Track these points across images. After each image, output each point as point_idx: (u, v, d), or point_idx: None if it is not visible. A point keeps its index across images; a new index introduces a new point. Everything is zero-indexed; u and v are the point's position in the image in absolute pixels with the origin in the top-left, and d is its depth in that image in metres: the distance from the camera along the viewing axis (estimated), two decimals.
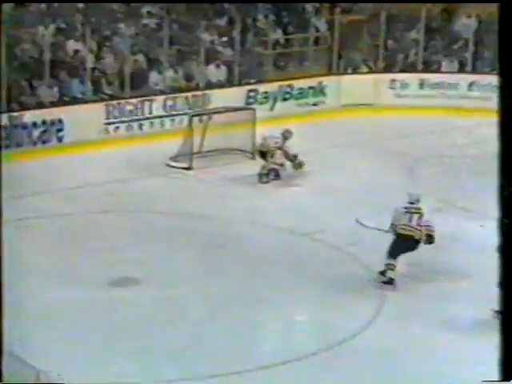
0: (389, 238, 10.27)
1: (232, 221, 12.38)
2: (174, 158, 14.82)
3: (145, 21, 17.83)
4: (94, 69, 16.19)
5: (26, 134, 14.88)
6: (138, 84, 16.46)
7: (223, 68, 17.53)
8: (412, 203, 10.34)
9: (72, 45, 16.41)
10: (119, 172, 14.23)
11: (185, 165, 14.71)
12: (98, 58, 16.51)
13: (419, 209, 10.29)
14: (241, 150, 15.26)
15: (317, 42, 18.82)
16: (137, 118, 16.09)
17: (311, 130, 16.25)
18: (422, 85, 18.29)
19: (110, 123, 15.80)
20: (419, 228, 10.13)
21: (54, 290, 9.95)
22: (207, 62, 17.28)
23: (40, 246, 11.30)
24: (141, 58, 16.94)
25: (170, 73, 16.98)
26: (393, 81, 18.32)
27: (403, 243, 10.13)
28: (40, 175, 13.84)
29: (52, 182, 13.66)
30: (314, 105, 17.98)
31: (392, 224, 10.24)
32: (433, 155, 15.37)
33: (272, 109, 17.38)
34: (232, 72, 17.51)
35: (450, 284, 10.29)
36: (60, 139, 15.24)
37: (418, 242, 10.15)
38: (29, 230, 11.72)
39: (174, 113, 16.41)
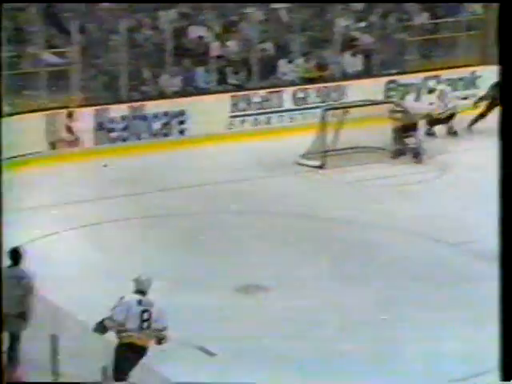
0: None
1: (368, 226, 12.32)
2: (305, 156, 14.89)
3: (274, 5, 17.90)
4: (219, 57, 16.45)
5: (147, 126, 15.27)
6: (266, 74, 16.68)
7: (360, 57, 17.51)
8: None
9: (196, 30, 16.67)
10: (245, 169, 14.43)
11: (317, 163, 14.75)
12: (223, 45, 16.77)
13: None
14: (379, 149, 15.18)
15: (470, 26, 18.42)
16: (264, 110, 16.27)
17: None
18: None
19: (235, 116, 16.04)
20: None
21: (179, 295, 10.11)
22: (342, 50, 17.33)
23: (165, 247, 11.53)
24: (269, 45, 17.12)
25: (301, 62, 17.10)
26: None
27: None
28: (161, 170, 14.20)
29: (175, 177, 13.95)
30: (464, 99, 17.70)
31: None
32: None
33: None
34: (370, 61, 17.48)
35: None
36: (182, 132, 15.55)
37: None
38: (154, 229, 12.04)
39: (306, 106, 16.53)
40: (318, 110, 15.68)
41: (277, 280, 10.64)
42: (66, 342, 7.61)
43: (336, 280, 10.64)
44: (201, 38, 16.61)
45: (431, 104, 16.26)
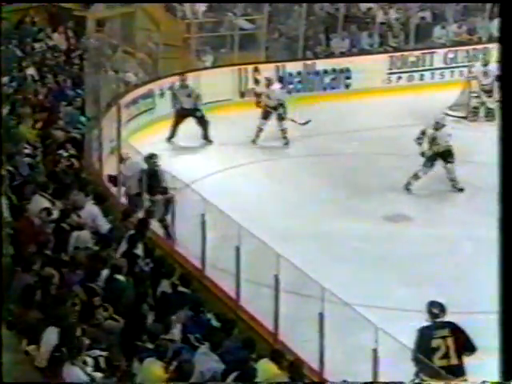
0: None
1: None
2: (452, 107, 14.59)
3: None
4: (382, 23, 16.37)
5: (318, 80, 15.38)
6: (422, 38, 16.43)
7: None
8: None
9: (366, 4, 16.63)
10: (399, 118, 14.25)
11: (462, 114, 14.46)
12: (386, 13, 16.59)
13: None
14: None
15: None
16: (418, 69, 16.03)
17: None
18: None
19: (392, 73, 15.89)
20: None
21: (335, 220, 10.30)
22: (491, 18, 16.68)
23: (326, 181, 11.67)
24: (427, 14, 16.81)
25: (453, 27, 16.73)
26: None
27: None
28: (329, 117, 14.25)
29: (338, 124, 14.01)
30: None
31: None
32: None
33: None
34: None
35: None
36: (347, 86, 15.57)
37: None
38: (317, 167, 12.19)
39: (454, 65, 16.15)
40: (465, 69, 15.42)
41: (420, 211, 10.64)
42: (245, 253, 7.88)
43: (473, 214, 10.43)
44: (369, 9, 16.61)
45: None
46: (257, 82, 14.95)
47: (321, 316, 6.75)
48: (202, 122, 12.84)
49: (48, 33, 14.88)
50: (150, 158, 9.80)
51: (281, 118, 12.96)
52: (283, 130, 12.95)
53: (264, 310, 7.52)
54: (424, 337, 6.49)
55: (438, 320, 6.62)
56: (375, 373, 6.26)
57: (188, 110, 12.85)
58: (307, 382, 6.46)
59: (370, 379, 6.29)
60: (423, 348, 6.44)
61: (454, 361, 6.48)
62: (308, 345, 6.94)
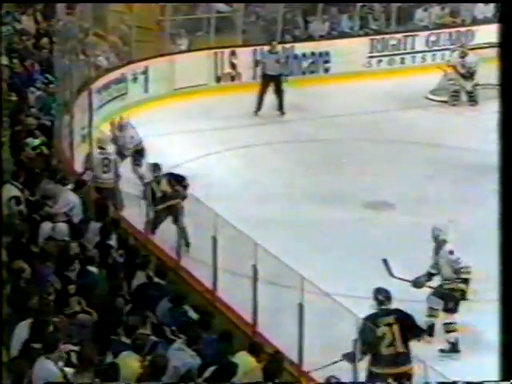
0: None
1: (490, 153, 11.97)
2: (434, 92, 14.65)
3: None
4: (363, 6, 16.31)
5: (297, 64, 15.35)
6: (403, 20, 16.40)
7: (492, 4, 16.79)
8: None
9: None
10: (381, 103, 14.27)
11: (444, 98, 14.49)
12: None
13: None
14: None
15: None
16: (399, 52, 16.00)
17: None
18: None
19: (373, 57, 15.86)
20: None
21: (314, 208, 10.33)
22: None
23: (305, 168, 11.71)
24: None
25: (436, 9, 16.72)
26: None
27: None
28: (308, 102, 14.26)
29: (318, 109, 14.02)
30: None
31: None
32: None
33: None
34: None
35: None
36: (326, 70, 15.55)
37: None
38: (295, 153, 12.25)
39: (437, 48, 16.13)
40: (447, 52, 15.43)
41: (402, 198, 10.64)
42: (222, 242, 7.89)
43: (457, 201, 10.53)
44: None
45: None
46: (233, 66, 14.90)
47: (300, 307, 6.77)
48: (280, 92, 13.47)
49: (16, 16, 14.73)
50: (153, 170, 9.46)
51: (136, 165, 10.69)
52: (141, 178, 10.31)
53: (242, 301, 7.53)
54: (369, 325, 6.48)
55: (384, 307, 6.65)
56: (355, 365, 6.29)
57: (272, 77, 13.53)
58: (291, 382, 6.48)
59: (350, 372, 6.32)
60: (369, 337, 6.45)
61: (400, 349, 6.51)
62: (287, 336, 6.95)
